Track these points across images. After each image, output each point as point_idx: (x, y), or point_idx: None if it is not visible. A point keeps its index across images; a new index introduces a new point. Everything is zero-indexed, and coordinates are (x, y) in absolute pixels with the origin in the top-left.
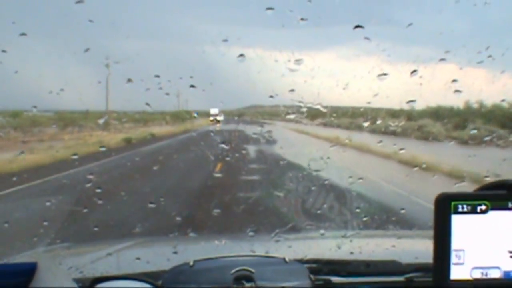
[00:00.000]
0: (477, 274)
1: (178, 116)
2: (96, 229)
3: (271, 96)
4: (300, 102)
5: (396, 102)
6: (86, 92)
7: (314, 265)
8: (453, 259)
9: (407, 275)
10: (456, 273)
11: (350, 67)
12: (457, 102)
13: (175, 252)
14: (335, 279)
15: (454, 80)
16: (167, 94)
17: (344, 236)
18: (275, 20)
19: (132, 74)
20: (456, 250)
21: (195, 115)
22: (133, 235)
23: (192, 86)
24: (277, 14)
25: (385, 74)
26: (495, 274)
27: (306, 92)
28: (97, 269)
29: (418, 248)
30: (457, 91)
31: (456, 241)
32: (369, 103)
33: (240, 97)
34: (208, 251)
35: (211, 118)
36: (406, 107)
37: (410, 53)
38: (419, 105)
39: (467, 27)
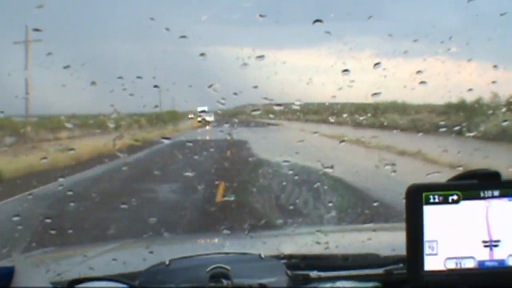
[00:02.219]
0: (451, 265)
1: (158, 118)
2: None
3: (235, 93)
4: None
5: (361, 95)
6: (51, 95)
7: (290, 261)
8: (427, 250)
9: (386, 268)
10: (430, 264)
11: (312, 62)
12: (423, 93)
13: (151, 252)
14: (313, 274)
15: (418, 72)
16: (131, 95)
17: (319, 231)
18: (236, 17)
19: (99, 76)
20: (429, 241)
21: (192, 116)
22: (109, 238)
23: (155, 86)
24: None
25: (347, 70)
26: (469, 264)
27: (270, 88)
28: (74, 272)
29: (394, 240)
30: (422, 82)
31: (429, 232)
32: (334, 97)
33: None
34: (184, 250)
35: (199, 118)
36: (371, 100)
37: (373, 46)
38: (386, 98)
39: (430, 18)
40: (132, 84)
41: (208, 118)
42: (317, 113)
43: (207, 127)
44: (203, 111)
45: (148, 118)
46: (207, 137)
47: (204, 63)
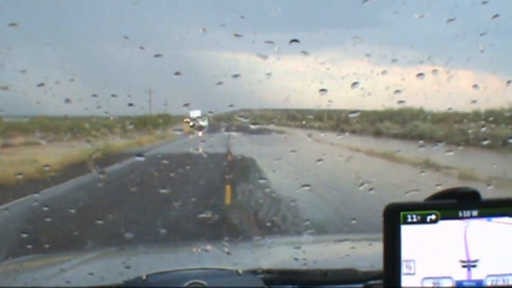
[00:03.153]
0: (428, 284)
1: (148, 122)
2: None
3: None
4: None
5: (340, 113)
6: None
7: (268, 276)
8: (404, 270)
9: (365, 283)
10: (407, 283)
11: (288, 80)
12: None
13: (128, 267)
14: None
15: (397, 91)
16: (106, 113)
17: (297, 247)
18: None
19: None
20: (406, 261)
21: (188, 120)
22: (85, 249)
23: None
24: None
25: (324, 90)
26: (446, 284)
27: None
28: (51, 285)
29: (373, 255)
30: (400, 101)
31: (406, 251)
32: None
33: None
34: (161, 264)
35: (191, 123)
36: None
37: (351, 66)
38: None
39: (409, 38)
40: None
41: (201, 123)
42: (321, 119)
43: (200, 134)
44: (195, 117)
45: (134, 121)
46: (200, 150)
47: (180, 82)
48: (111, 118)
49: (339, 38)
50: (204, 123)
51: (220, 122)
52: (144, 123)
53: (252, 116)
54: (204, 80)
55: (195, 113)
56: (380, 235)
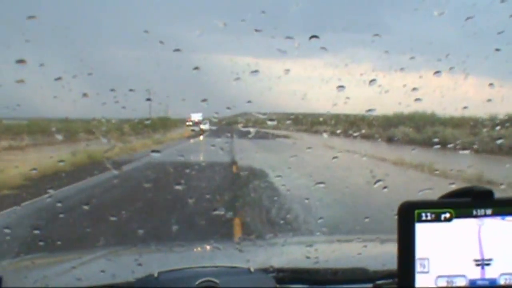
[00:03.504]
0: (442, 283)
1: (146, 125)
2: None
3: (228, 108)
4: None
5: (357, 110)
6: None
7: (279, 274)
8: (418, 268)
9: (376, 282)
10: (421, 282)
11: (307, 77)
12: (418, 110)
13: (139, 264)
14: None
15: (414, 89)
16: (124, 107)
17: (309, 245)
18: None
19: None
20: (420, 259)
21: (190, 123)
22: (97, 246)
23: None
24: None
25: (342, 86)
26: (460, 283)
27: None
28: (61, 281)
29: (384, 255)
30: (417, 99)
31: (421, 249)
32: (328, 111)
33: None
34: (172, 262)
35: (192, 127)
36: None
37: (369, 62)
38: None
39: (427, 35)
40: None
41: (202, 127)
42: (324, 123)
43: (201, 137)
44: (196, 120)
45: (132, 125)
46: (200, 158)
47: (198, 75)
48: (113, 121)
49: (358, 35)
50: (205, 126)
51: (224, 125)
52: (143, 126)
53: (253, 121)
54: (219, 79)
55: (196, 116)
56: (392, 235)
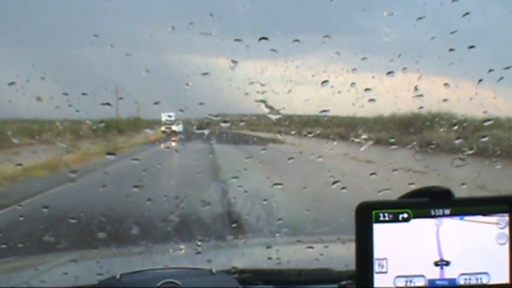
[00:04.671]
0: (401, 283)
1: (112, 127)
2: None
3: (181, 110)
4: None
5: (311, 111)
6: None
7: (242, 275)
8: (376, 268)
9: (340, 283)
10: (380, 282)
11: (258, 79)
12: (373, 110)
13: (102, 267)
14: None
15: (367, 89)
16: (77, 111)
17: (269, 247)
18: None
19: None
20: (378, 259)
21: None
22: (57, 250)
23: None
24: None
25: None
26: (419, 283)
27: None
28: (25, 285)
29: (347, 255)
30: (371, 100)
31: (379, 250)
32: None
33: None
34: (134, 264)
35: (163, 128)
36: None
37: (320, 64)
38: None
39: (377, 36)
40: (77, 100)
41: (175, 128)
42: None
43: (173, 143)
44: (168, 121)
45: (92, 127)
46: (172, 182)
47: (151, 80)
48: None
49: (308, 37)
50: (178, 128)
51: (199, 126)
52: (106, 128)
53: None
54: (174, 80)
55: (167, 116)
56: (353, 235)
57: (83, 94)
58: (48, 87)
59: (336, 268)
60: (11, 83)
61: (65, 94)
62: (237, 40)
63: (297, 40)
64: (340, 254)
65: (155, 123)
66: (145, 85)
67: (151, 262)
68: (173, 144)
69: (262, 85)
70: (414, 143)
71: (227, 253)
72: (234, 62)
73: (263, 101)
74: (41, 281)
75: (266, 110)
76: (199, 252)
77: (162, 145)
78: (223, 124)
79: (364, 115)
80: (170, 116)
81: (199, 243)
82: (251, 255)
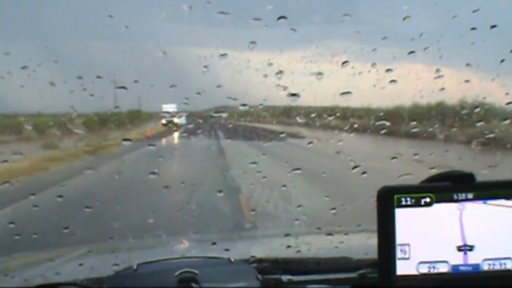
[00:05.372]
0: (424, 269)
1: (108, 121)
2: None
3: (198, 93)
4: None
5: (330, 95)
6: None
7: (261, 265)
8: (399, 254)
9: (359, 271)
10: (402, 268)
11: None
12: (393, 92)
13: (118, 257)
14: (285, 278)
15: (388, 70)
16: (92, 95)
17: (288, 235)
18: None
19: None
20: (401, 245)
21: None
22: (73, 242)
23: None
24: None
25: (321, 73)
26: (442, 269)
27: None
28: (40, 277)
29: (367, 243)
30: (392, 81)
31: (401, 235)
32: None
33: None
34: (151, 254)
35: (164, 121)
36: (340, 100)
37: (341, 43)
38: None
39: (399, 15)
40: (91, 84)
41: (176, 121)
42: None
43: (175, 135)
44: (168, 112)
45: (89, 119)
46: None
47: (166, 62)
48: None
49: (327, 16)
50: (180, 120)
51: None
52: (103, 122)
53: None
54: (191, 62)
55: (169, 108)
56: (374, 225)
57: (98, 77)
58: (62, 71)
59: (355, 256)
60: (24, 67)
61: (80, 77)
62: (255, 19)
63: (316, 19)
64: (360, 242)
65: (158, 116)
66: (161, 68)
67: (168, 252)
68: (176, 139)
69: (280, 71)
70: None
71: (245, 242)
72: (253, 42)
73: (283, 87)
74: (56, 273)
75: (285, 94)
76: (215, 242)
77: (166, 139)
78: (241, 108)
79: (385, 98)
80: (171, 108)
81: (217, 232)
82: (270, 244)
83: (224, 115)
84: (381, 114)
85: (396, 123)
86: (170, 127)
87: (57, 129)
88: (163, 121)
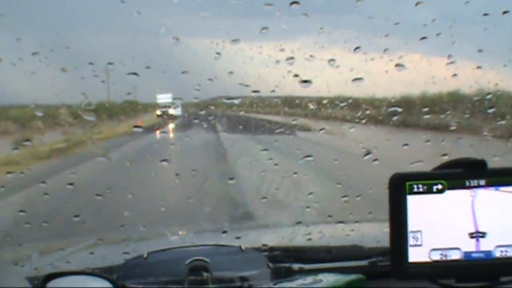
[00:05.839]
0: (436, 256)
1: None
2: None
3: (210, 80)
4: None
5: (342, 81)
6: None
7: (272, 253)
8: (411, 241)
9: (370, 259)
10: (414, 255)
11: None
12: (404, 78)
13: (128, 246)
14: (296, 266)
15: (400, 56)
16: (103, 81)
17: (299, 223)
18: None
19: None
20: (413, 232)
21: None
22: (84, 231)
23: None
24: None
25: (333, 60)
26: (455, 256)
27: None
28: (50, 266)
29: (378, 232)
30: (399, 65)
31: (413, 222)
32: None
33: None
34: (161, 243)
35: (159, 111)
36: (352, 86)
37: (353, 29)
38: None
39: (411, 3)
40: (103, 71)
41: (172, 112)
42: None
43: (171, 127)
44: (165, 103)
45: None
46: None
47: (178, 49)
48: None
49: (341, 1)
50: (176, 111)
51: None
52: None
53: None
54: (203, 48)
55: (163, 98)
56: (387, 212)
57: (109, 63)
58: (74, 58)
59: (367, 244)
60: (34, 53)
61: (91, 63)
62: (267, 4)
63: (329, 4)
64: (371, 231)
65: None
66: (173, 54)
67: (178, 241)
68: (171, 134)
69: (291, 57)
70: None
71: (256, 230)
72: (265, 28)
73: (295, 75)
74: (67, 261)
75: (297, 80)
76: (226, 231)
77: (160, 134)
78: (253, 94)
79: (397, 84)
80: (166, 98)
81: (228, 220)
82: (281, 232)
83: (236, 101)
84: (393, 100)
85: (408, 109)
86: (167, 118)
87: (68, 116)
88: (158, 112)
